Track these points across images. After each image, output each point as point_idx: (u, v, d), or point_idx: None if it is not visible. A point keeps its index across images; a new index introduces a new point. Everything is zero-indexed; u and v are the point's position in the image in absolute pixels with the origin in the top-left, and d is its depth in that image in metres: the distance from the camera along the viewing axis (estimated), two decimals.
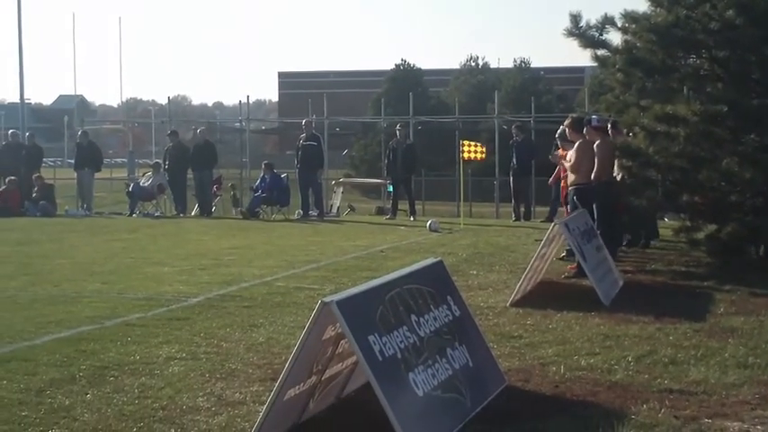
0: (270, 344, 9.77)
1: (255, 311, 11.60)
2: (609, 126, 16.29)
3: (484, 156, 25.45)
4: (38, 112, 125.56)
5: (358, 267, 15.66)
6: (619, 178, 15.89)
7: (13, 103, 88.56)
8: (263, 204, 28.48)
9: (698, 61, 16.51)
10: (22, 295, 13.01)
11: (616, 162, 15.76)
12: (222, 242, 20.27)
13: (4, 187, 29.56)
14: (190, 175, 30.10)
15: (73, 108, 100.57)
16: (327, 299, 6.08)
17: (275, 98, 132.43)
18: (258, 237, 21.63)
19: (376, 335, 6.35)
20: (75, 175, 31.14)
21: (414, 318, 7.00)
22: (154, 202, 30.43)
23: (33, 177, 30.51)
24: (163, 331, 10.36)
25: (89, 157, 30.72)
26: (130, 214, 29.67)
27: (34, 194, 29.73)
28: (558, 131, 17.59)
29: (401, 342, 6.61)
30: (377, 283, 7.00)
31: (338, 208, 33.36)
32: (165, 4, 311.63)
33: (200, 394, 7.80)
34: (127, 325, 10.75)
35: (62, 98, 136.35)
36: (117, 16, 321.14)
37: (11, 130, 34.10)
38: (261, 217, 28.01)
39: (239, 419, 7.10)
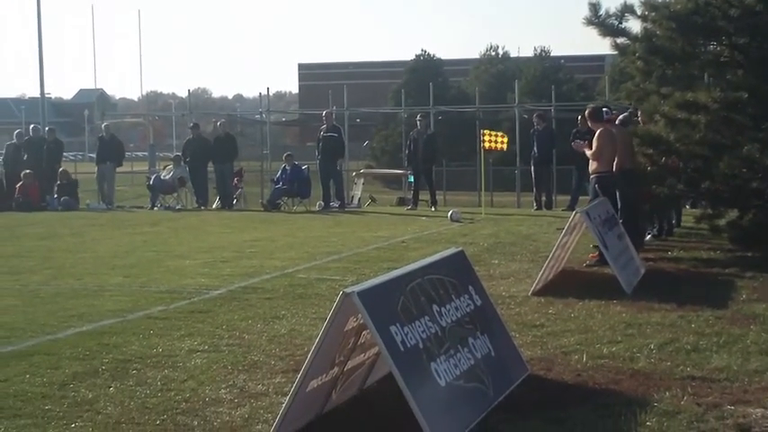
0: (292, 335, 9.79)
1: (277, 303, 11.63)
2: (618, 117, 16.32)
3: (505, 145, 25.43)
4: (58, 106, 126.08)
5: (379, 258, 15.67)
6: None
7: (33, 97, 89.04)
8: (284, 196, 28.50)
9: (718, 48, 16.45)
10: (45, 289, 13.07)
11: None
12: (243, 235, 20.29)
13: (21, 182, 29.65)
14: (210, 167, 30.14)
15: (93, 102, 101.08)
16: (349, 290, 6.08)
17: (295, 90, 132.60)
18: (279, 229, 21.65)
19: (398, 325, 6.35)
20: (96, 169, 31.22)
21: (435, 308, 7.00)
22: (175, 195, 30.48)
23: (59, 172, 30.71)
24: (185, 324, 10.39)
25: (111, 152, 30.82)
26: (152, 207, 29.76)
27: (57, 188, 29.89)
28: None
29: (423, 332, 6.60)
30: (398, 274, 7.00)
31: (359, 199, 33.34)
32: None
33: (223, 386, 7.83)
34: (149, 318, 10.79)
35: (82, 92, 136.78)
36: (136, 9, 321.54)
37: (32, 125, 34.22)
38: (282, 209, 28.03)
39: (262, 411, 7.12)
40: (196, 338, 9.65)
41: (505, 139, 25.39)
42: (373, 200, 35.45)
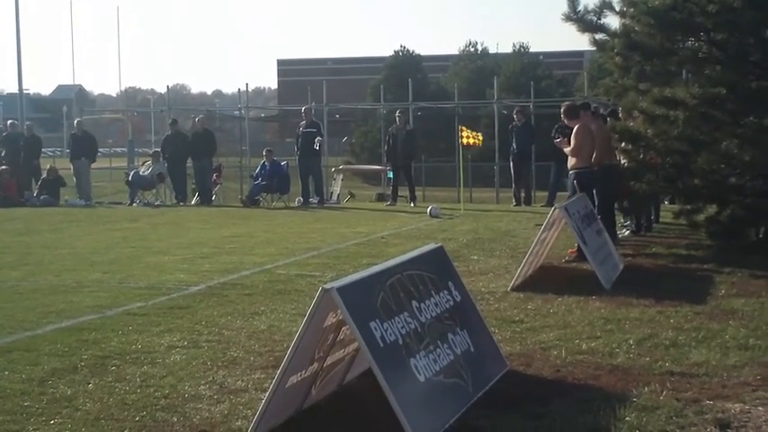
0: (271, 331, 9.78)
1: (257, 299, 11.61)
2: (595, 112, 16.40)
3: (479, 141, 25.41)
4: (37, 102, 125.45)
5: (359, 254, 15.68)
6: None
7: (11, 93, 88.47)
8: (264, 192, 28.47)
9: (696, 44, 16.50)
10: (23, 285, 13.02)
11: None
12: (223, 230, 20.27)
13: None
14: (189, 163, 30.08)
15: (72, 98, 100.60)
16: (328, 285, 6.08)
17: (274, 86, 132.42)
18: (259, 225, 21.63)
19: (377, 321, 6.34)
20: (72, 165, 31.11)
21: (415, 303, 7.00)
22: (154, 191, 30.43)
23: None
24: (164, 320, 10.37)
25: (85, 148, 30.73)
26: (130, 203, 29.69)
27: (41, 183, 29.86)
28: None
29: (402, 328, 6.60)
30: (378, 270, 7.00)
31: (338, 195, 33.36)
32: None
33: (203, 382, 7.81)
34: (128, 314, 10.75)
35: (61, 88, 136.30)
36: (115, 5, 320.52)
37: (9, 121, 34.08)
38: (261, 205, 28.01)
39: (241, 407, 7.11)
40: (175, 334, 9.62)
41: (480, 137, 25.40)
42: (352, 196, 35.47)
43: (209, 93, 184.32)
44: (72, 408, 7.17)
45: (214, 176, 31.22)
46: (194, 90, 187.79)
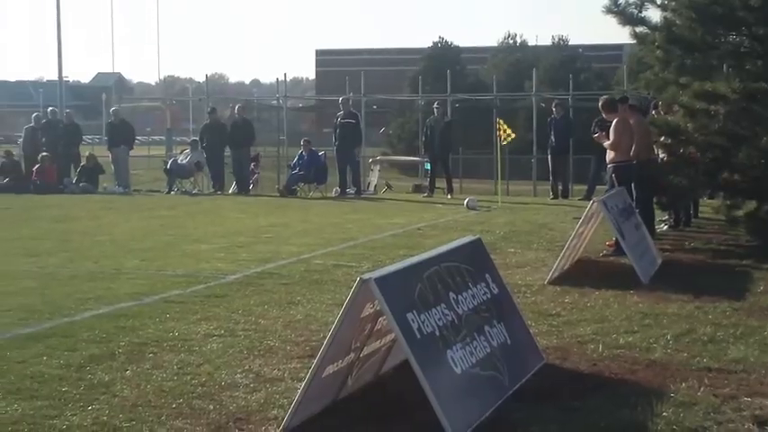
0: (308, 321, 9.80)
1: (293, 289, 11.64)
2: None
3: (511, 137, 25.30)
4: (76, 89, 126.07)
5: (395, 245, 15.67)
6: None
7: (51, 80, 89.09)
8: (301, 182, 28.50)
9: (738, 38, 16.37)
10: (62, 272, 13.12)
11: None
12: (260, 220, 20.33)
13: (39, 165, 29.81)
14: (227, 152, 30.16)
15: (111, 86, 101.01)
16: (366, 276, 6.08)
17: (312, 76, 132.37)
18: (295, 214, 21.67)
19: (414, 312, 6.34)
20: (110, 153, 31.28)
21: (452, 295, 6.99)
22: (191, 179, 30.53)
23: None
24: (201, 308, 10.42)
25: (122, 135, 30.89)
26: (168, 192, 29.81)
27: (80, 171, 30.10)
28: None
29: (439, 320, 6.60)
30: (415, 261, 7.00)
31: (375, 186, 33.33)
32: None
33: (239, 371, 7.84)
34: (165, 302, 10.82)
35: (100, 76, 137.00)
36: None
37: (50, 108, 34.28)
38: (298, 195, 28.06)
39: (277, 396, 7.13)
40: (212, 323, 9.66)
41: (510, 132, 25.30)
42: (389, 187, 35.41)
43: (247, 82, 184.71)
44: (109, 394, 7.22)
45: (252, 166, 31.28)
46: (232, 79, 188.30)
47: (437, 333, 6.49)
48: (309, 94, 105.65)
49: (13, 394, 7.21)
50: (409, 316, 6.28)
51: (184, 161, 30.56)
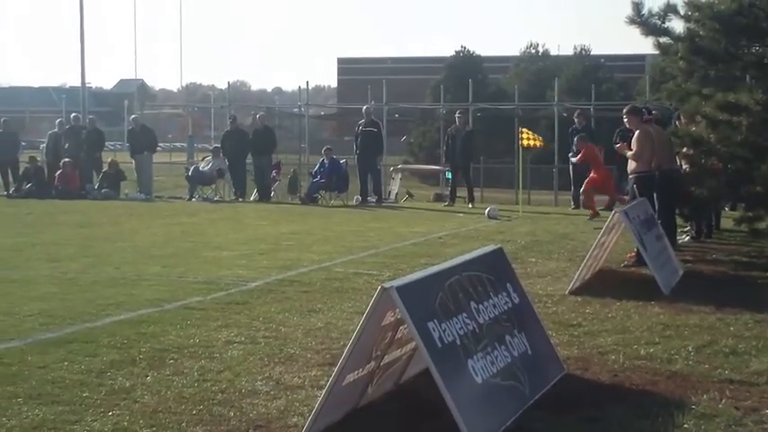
0: (328, 329, 9.80)
1: (314, 296, 11.65)
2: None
3: (539, 142, 25.27)
4: (98, 96, 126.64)
5: (416, 254, 15.67)
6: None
7: (74, 86, 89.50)
8: (322, 190, 28.54)
9: (761, 49, 16.30)
10: (83, 277, 13.16)
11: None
12: (281, 227, 20.36)
13: (61, 170, 29.95)
14: (249, 160, 30.24)
15: (133, 92, 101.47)
16: (387, 284, 6.08)
17: (334, 84, 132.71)
18: (316, 222, 21.69)
19: (435, 321, 6.34)
20: (133, 160, 31.38)
21: (473, 305, 6.98)
22: (213, 186, 30.59)
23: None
24: (222, 315, 10.44)
25: (145, 142, 30.98)
26: (189, 198, 29.89)
27: (102, 177, 30.22)
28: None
29: (460, 329, 6.59)
30: (437, 270, 7.00)
31: (396, 194, 33.35)
32: None
33: (259, 378, 7.85)
34: (186, 308, 10.84)
35: (123, 82, 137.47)
36: (178, 1, 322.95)
37: (73, 114, 34.44)
38: (319, 202, 28.09)
39: (298, 403, 7.13)
40: (233, 330, 9.68)
41: (540, 139, 25.26)
42: (410, 195, 35.44)
43: (269, 90, 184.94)
44: (130, 400, 7.24)
45: (273, 173, 31.34)
46: (254, 87, 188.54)
47: (458, 342, 6.49)
48: (331, 102, 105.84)
49: (34, 399, 7.24)
50: (430, 325, 6.27)
51: (206, 168, 30.63)
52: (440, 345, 6.26)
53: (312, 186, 28.84)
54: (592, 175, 23.39)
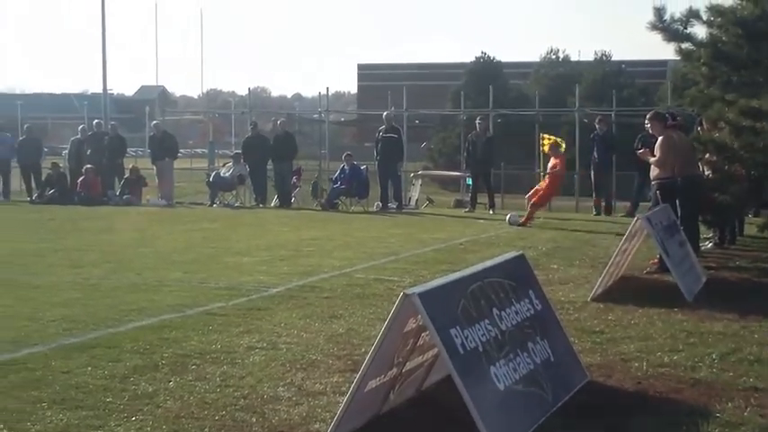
0: (349, 335, 9.79)
1: (335, 302, 11.64)
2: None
3: (560, 141, 25.24)
4: (120, 102, 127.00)
5: (437, 260, 15.65)
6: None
7: (96, 93, 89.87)
8: (343, 196, 28.55)
9: None
10: (105, 283, 13.20)
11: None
12: (301, 233, 20.37)
13: (83, 176, 30.09)
14: (270, 165, 30.27)
15: (154, 98, 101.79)
16: (409, 291, 6.05)
17: (354, 90, 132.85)
18: (337, 228, 21.70)
19: (458, 328, 6.31)
20: (155, 167, 31.48)
21: (495, 311, 6.95)
22: (234, 192, 30.64)
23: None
24: (243, 321, 10.44)
25: (166, 148, 31.07)
26: (211, 204, 29.95)
27: (123, 183, 30.32)
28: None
29: (483, 335, 6.56)
30: (459, 276, 6.98)
31: (417, 200, 33.30)
32: None
33: (281, 384, 7.84)
34: (208, 314, 10.85)
35: (144, 89, 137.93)
36: (198, 7, 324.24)
37: (95, 121, 34.58)
38: (340, 208, 28.10)
39: (320, 410, 7.12)
40: (255, 335, 9.68)
41: (561, 141, 25.23)
42: (431, 201, 35.36)
43: (289, 96, 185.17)
44: (153, 405, 7.25)
45: (294, 179, 31.37)
46: (274, 93, 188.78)
47: (480, 349, 6.46)
48: (351, 108, 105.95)
49: (58, 404, 7.25)
50: (452, 331, 6.24)
51: (227, 174, 30.69)
52: (462, 351, 6.23)
53: (333, 192, 28.85)
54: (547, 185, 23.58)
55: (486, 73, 76.33)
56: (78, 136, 32.32)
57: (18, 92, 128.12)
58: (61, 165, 32.98)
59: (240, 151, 31.39)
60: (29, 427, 6.76)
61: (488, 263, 7.73)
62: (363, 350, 8.55)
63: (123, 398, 7.42)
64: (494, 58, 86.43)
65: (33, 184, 31.57)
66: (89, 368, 8.29)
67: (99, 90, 54.12)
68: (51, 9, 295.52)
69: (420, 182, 36.09)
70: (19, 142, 32.66)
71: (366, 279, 13.56)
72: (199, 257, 16.07)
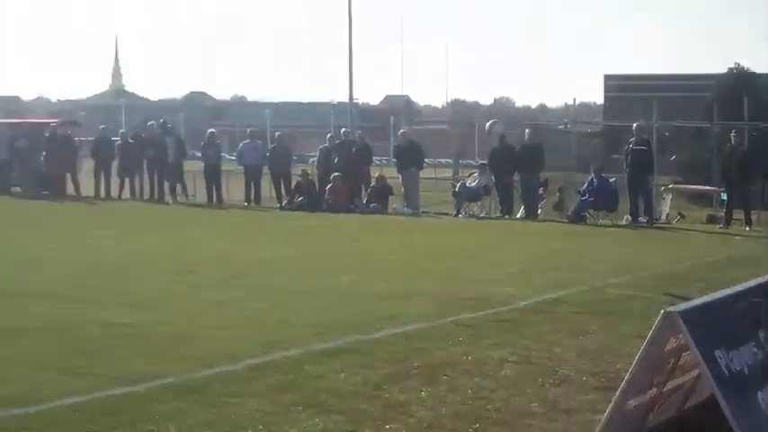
0: (602, 351, 9.58)
1: (586, 318, 11.44)
2: None
3: None
4: (365, 111, 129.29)
5: (692, 277, 15.14)
6: None
7: (342, 102, 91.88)
8: (591, 209, 28.11)
9: None
10: (354, 289, 13.40)
11: None
12: (550, 245, 20.17)
13: (331, 184, 30.71)
14: (516, 177, 30.11)
15: (399, 108, 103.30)
16: (671, 309, 5.86)
17: (600, 101, 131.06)
18: (585, 241, 21.40)
19: (722, 349, 6.06)
20: (400, 176, 31.82)
21: (761, 333, 6.64)
22: (479, 202, 30.63)
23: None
24: (493, 333, 10.38)
25: (412, 157, 31.35)
26: (456, 214, 30.01)
27: (370, 191, 30.83)
28: None
29: (749, 358, 6.28)
30: (722, 295, 6.69)
31: (667, 215, 32.51)
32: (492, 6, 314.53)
33: (534, 399, 7.74)
34: (457, 324, 10.85)
35: (389, 98, 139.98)
36: (444, 19, 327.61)
37: (343, 129, 35.28)
38: (587, 221, 27.69)
39: (575, 427, 6.99)
40: (505, 348, 9.59)
41: None
42: (682, 216, 34.47)
43: (534, 106, 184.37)
44: (406, 414, 7.27)
45: (540, 190, 31.12)
46: (518, 103, 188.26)
47: (746, 372, 6.18)
48: (597, 119, 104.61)
49: (311, 407, 7.38)
50: (717, 353, 5.99)
51: (472, 184, 30.71)
52: (727, 373, 5.98)
53: (580, 205, 28.41)
54: None
55: (739, 84, 74.03)
56: (326, 144, 33.03)
57: (267, 100, 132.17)
58: (310, 172, 33.77)
59: (486, 161, 31.37)
60: (285, 429, 6.91)
61: (752, 282, 7.39)
62: (618, 367, 8.35)
63: (376, 405, 7.48)
64: (748, 69, 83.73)
65: (283, 191, 32.44)
66: (342, 374, 8.42)
67: (345, 99, 55.42)
68: (301, 21, 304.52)
69: (671, 196, 35.25)
70: (270, 150, 33.65)
71: (617, 294, 13.28)
72: (446, 267, 16.12)
